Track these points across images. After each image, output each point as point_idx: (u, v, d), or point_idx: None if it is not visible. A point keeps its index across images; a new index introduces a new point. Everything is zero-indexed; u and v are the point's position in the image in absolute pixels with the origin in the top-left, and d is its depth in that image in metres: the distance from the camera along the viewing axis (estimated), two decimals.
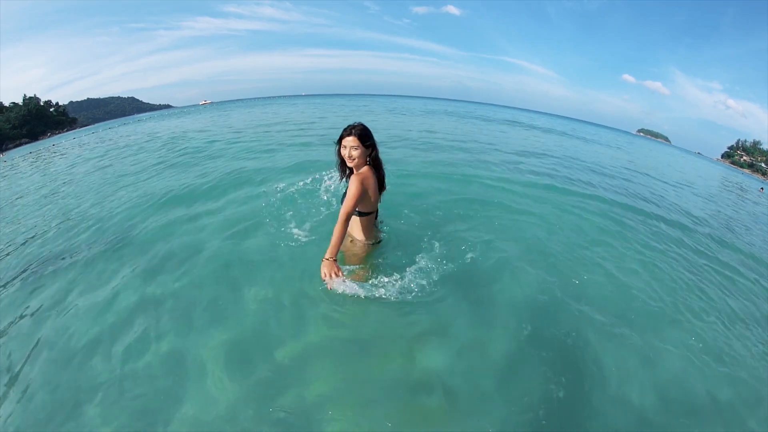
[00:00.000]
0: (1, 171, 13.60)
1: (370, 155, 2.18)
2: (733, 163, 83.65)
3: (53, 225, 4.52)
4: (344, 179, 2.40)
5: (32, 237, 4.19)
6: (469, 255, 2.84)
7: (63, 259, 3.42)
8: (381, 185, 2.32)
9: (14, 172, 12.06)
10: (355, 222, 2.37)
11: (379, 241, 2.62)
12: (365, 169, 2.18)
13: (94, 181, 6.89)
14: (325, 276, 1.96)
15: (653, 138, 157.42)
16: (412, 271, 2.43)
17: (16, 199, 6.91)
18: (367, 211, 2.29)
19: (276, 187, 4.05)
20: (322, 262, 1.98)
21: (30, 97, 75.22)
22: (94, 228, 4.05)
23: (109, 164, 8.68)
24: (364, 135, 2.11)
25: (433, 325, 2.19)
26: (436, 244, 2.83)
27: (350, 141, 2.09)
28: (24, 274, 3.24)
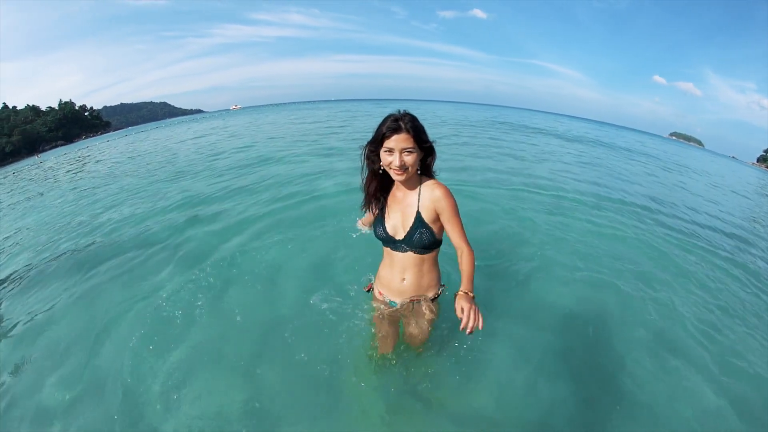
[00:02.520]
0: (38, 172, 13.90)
1: (424, 160, 1.39)
2: None
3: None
4: (372, 210, 1.56)
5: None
6: None
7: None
8: None
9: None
10: (432, 260, 1.53)
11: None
12: (432, 181, 1.41)
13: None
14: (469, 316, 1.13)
15: (686, 142, 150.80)
16: None
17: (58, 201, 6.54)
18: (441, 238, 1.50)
19: None
20: (462, 297, 1.21)
21: (65, 102, 78.64)
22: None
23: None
24: (420, 129, 1.32)
25: None
26: None
27: (402, 140, 1.28)
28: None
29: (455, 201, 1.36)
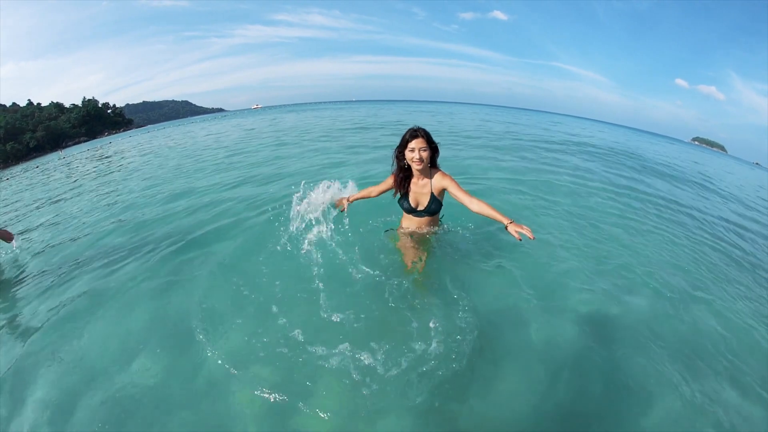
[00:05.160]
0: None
1: (433, 156, 2.22)
2: None
3: None
4: (399, 192, 2.37)
5: None
6: None
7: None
8: None
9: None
10: (436, 219, 2.47)
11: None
12: (439, 172, 2.26)
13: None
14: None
15: (709, 147, 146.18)
16: None
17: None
18: None
19: None
20: (513, 224, 1.89)
21: (89, 100, 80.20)
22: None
23: None
24: (429, 134, 2.16)
25: None
26: None
27: (419, 143, 2.12)
28: None
29: (454, 179, 2.21)
